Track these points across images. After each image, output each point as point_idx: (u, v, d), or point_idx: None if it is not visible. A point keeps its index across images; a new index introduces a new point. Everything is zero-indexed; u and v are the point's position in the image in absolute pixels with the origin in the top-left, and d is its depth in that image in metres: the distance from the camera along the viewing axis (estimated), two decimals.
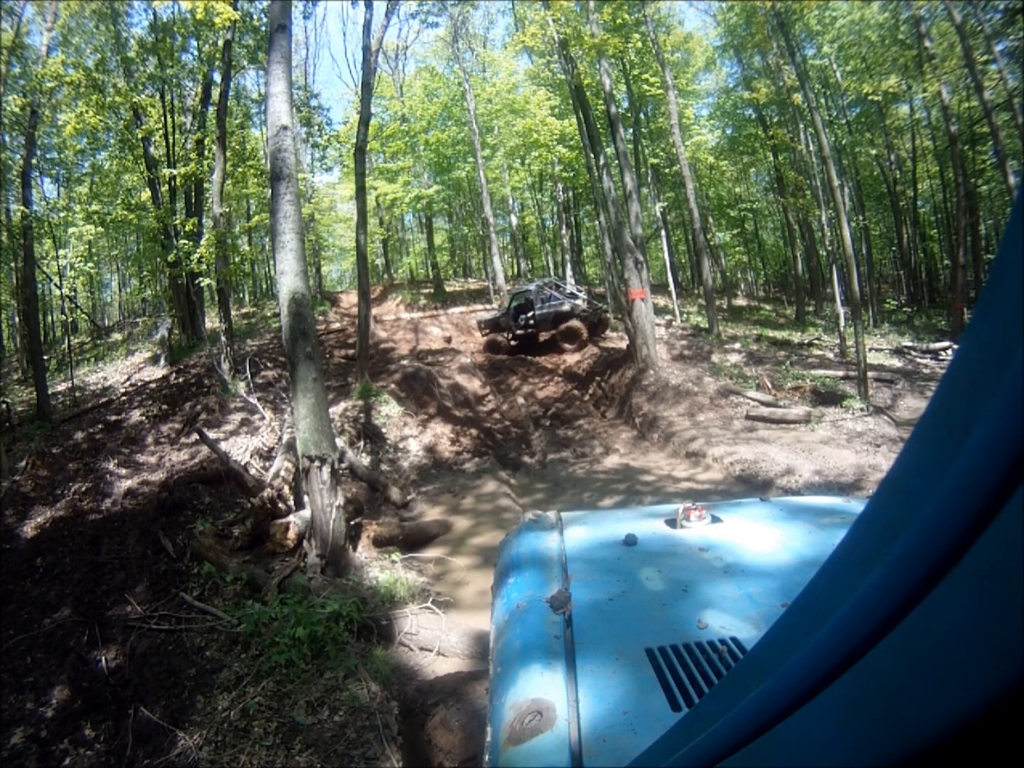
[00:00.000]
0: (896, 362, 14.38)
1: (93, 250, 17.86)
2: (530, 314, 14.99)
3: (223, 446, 7.51)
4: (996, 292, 0.32)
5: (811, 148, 15.52)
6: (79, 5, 13.61)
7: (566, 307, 14.45)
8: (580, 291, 15.24)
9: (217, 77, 11.69)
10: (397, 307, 20.17)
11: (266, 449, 7.89)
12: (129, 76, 12.48)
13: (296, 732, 3.19)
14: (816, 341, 15.66)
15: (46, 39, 12.37)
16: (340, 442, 6.93)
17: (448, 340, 16.18)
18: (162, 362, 12.46)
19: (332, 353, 13.55)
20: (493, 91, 22.23)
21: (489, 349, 15.60)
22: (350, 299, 19.31)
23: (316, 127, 14.77)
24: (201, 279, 10.87)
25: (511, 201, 26.04)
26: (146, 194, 14.59)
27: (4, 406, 10.66)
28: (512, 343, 15.47)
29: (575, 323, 14.34)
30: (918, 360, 14.66)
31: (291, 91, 5.76)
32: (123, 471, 7.55)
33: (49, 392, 11.15)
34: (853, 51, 19.72)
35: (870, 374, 10.60)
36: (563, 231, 24.53)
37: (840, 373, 11.68)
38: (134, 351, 15.03)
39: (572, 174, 22.22)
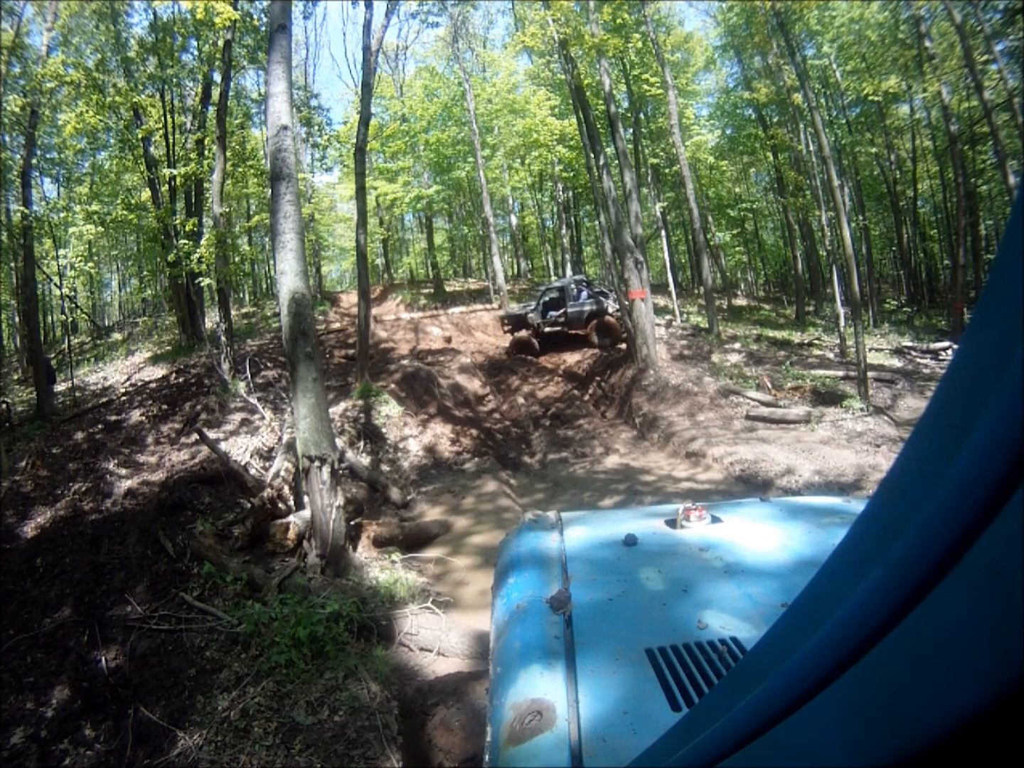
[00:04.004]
0: (896, 362, 14.38)
1: (93, 250, 17.87)
2: (561, 311, 14.54)
3: (223, 446, 7.50)
4: (996, 292, 0.32)
5: (811, 148, 15.50)
6: (79, 5, 13.60)
7: (601, 304, 14.15)
8: (609, 292, 15.06)
9: (217, 77, 11.68)
10: (397, 307, 20.16)
11: (266, 449, 7.88)
12: (129, 76, 12.48)
13: (296, 732, 3.18)
14: (816, 341, 15.64)
15: (46, 39, 12.36)
16: (340, 442, 6.93)
17: (448, 340, 16.15)
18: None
19: (332, 353, 13.55)
20: (493, 91, 22.23)
21: (516, 349, 14.87)
22: (350, 299, 19.30)
23: (316, 127, 14.77)
24: (201, 279, 10.87)
25: (511, 201, 26.06)
26: (146, 194, 14.61)
27: (4, 406, 10.66)
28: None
29: (611, 319, 13.89)
30: (918, 360, 14.66)
31: (291, 91, 5.76)
32: (123, 471, 7.55)
33: None
34: (853, 51, 19.71)
35: (870, 374, 10.60)
36: (563, 231, 24.53)
37: (840, 373, 11.67)
38: (134, 351, 15.04)
39: (572, 174, 22.22)
